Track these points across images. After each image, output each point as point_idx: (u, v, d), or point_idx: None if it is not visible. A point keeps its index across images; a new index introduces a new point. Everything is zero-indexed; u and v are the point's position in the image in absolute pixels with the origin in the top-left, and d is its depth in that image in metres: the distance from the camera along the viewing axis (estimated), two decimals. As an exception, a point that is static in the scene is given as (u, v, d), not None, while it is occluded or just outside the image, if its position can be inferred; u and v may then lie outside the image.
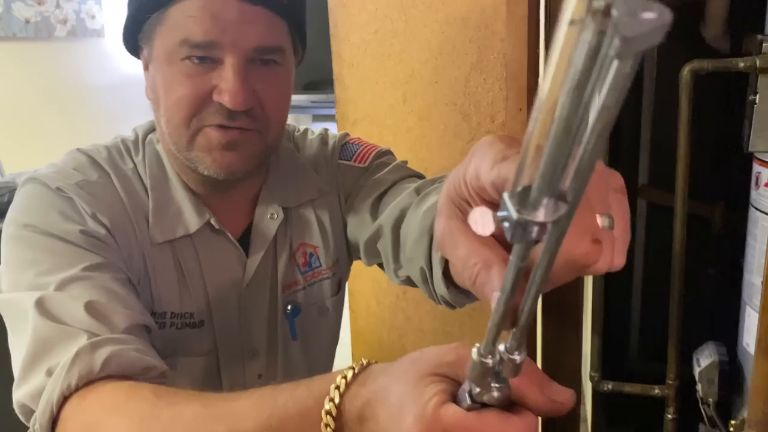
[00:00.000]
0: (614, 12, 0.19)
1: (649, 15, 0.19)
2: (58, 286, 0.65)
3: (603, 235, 0.30)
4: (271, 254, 0.85)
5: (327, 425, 0.43)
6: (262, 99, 0.73)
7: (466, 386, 0.37)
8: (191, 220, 0.79)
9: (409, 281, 0.79)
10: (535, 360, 1.26)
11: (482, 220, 0.27)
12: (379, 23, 1.11)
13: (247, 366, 0.85)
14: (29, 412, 0.62)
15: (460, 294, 0.65)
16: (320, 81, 3.63)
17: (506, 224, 0.25)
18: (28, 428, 0.63)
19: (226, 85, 0.70)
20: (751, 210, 0.99)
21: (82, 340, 0.61)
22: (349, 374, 0.44)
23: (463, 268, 0.34)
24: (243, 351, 0.85)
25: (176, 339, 0.79)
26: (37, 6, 3.05)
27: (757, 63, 0.92)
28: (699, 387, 1.06)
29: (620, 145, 1.29)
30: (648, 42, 0.19)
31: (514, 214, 0.25)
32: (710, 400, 1.05)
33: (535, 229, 0.25)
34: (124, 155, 0.81)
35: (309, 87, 3.74)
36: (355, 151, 0.90)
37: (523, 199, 0.25)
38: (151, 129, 0.83)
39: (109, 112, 3.28)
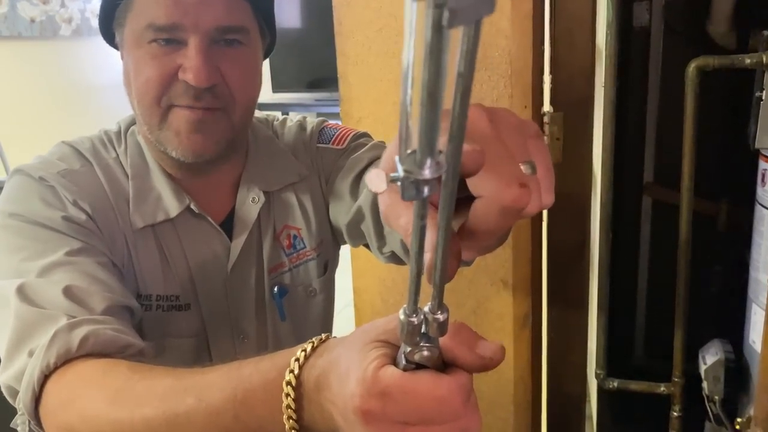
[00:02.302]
0: None
1: None
2: (40, 272, 0.68)
3: (528, 179, 0.33)
4: (255, 237, 0.87)
5: (287, 395, 0.45)
6: (226, 77, 0.76)
7: (401, 348, 0.39)
8: (171, 205, 0.81)
9: (394, 257, 0.81)
10: (540, 357, 1.25)
11: (377, 180, 0.30)
12: (383, 21, 1.11)
13: (238, 348, 0.87)
14: (15, 393, 0.65)
15: None
16: (324, 79, 3.64)
17: (399, 183, 0.28)
18: (17, 411, 0.66)
19: (189, 63, 0.73)
20: (757, 207, 0.98)
21: (61, 322, 0.63)
22: (308, 347, 0.46)
23: (405, 236, 0.36)
24: (232, 333, 0.87)
25: (163, 321, 0.81)
26: (42, 5, 3.06)
27: (764, 59, 0.91)
28: (705, 384, 1.06)
29: (625, 142, 1.28)
30: (478, 13, 0.22)
31: (402, 173, 0.28)
32: (716, 397, 1.05)
33: (426, 187, 0.28)
34: (107, 146, 0.84)
35: (313, 85, 3.74)
36: (333, 135, 0.93)
37: (411, 161, 0.28)
38: (134, 122, 0.85)
39: (113, 110, 3.27)
